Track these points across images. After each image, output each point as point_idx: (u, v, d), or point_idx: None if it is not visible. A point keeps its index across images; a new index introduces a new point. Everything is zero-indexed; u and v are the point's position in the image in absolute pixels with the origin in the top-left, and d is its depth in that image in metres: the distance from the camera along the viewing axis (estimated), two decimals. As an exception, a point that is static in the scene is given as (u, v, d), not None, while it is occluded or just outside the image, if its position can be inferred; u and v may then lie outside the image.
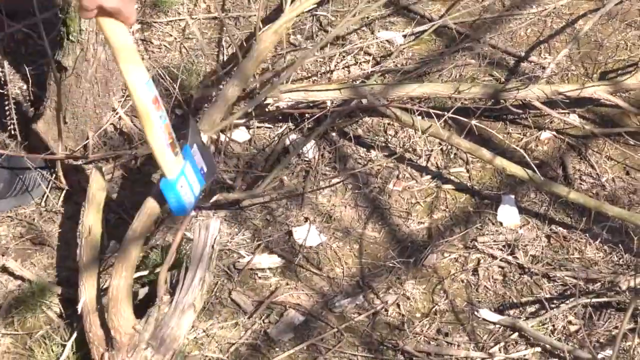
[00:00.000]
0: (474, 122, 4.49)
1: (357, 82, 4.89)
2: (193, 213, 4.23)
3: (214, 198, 4.38)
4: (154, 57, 4.93)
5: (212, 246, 3.93)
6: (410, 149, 4.80)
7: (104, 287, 3.93)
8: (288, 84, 4.70)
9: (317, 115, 4.64)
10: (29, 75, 4.48)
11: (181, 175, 3.73)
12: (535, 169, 4.49)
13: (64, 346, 3.85)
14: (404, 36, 5.32)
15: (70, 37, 4.24)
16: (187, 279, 3.80)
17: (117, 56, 3.36)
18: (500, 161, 4.52)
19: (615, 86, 4.92)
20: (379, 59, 5.19)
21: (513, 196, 4.65)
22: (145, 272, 4.05)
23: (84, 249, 3.95)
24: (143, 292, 4.03)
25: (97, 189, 4.15)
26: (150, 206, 3.92)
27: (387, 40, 5.28)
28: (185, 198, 3.80)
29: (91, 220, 4.05)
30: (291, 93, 4.64)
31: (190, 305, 3.71)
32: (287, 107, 4.71)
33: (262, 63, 4.86)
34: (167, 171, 3.68)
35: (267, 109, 4.70)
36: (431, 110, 4.52)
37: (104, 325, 3.70)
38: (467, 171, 4.76)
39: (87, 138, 4.50)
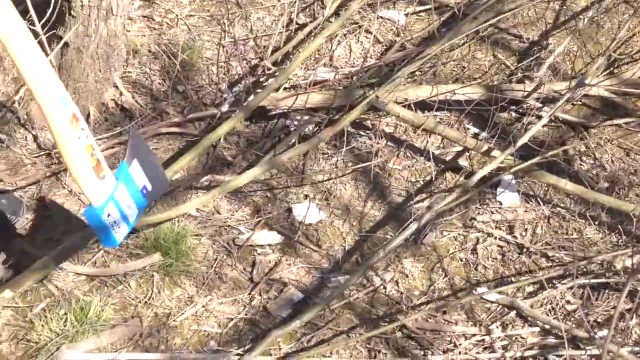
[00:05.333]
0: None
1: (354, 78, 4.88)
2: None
3: (205, 178, 4.40)
4: (155, 33, 4.92)
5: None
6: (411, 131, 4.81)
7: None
8: (282, 90, 4.66)
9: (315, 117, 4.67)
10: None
11: (109, 201, 3.33)
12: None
13: (63, 320, 3.85)
14: (406, 15, 5.32)
15: (72, 12, 4.24)
16: None
17: (21, 70, 2.79)
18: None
19: (617, 80, 4.96)
20: (380, 38, 5.18)
21: (512, 177, 4.66)
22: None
23: None
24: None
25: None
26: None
27: (388, 19, 5.27)
28: (115, 227, 3.44)
29: None
30: (287, 100, 4.65)
31: None
32: (287, 109, 4.70)
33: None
34: (91, 198, 3.24)
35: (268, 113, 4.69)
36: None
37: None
38: (467, 150, 4.75)
39: (89, 113, 4.51)
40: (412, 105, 4.65)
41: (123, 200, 3.36)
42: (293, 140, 4.62)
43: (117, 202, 3.32)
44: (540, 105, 4.84)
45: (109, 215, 3.29)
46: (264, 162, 4.35)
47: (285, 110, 4.67)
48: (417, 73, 5.01)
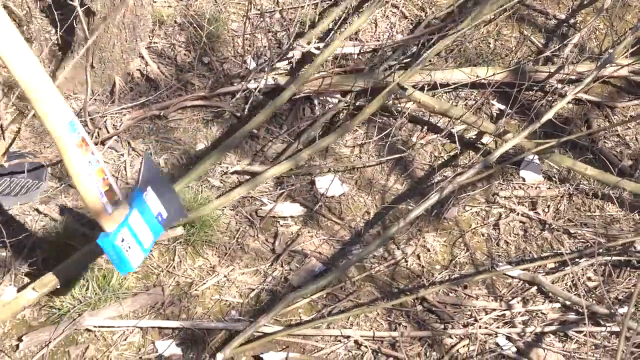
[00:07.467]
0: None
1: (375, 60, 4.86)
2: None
3: (233, 169, 4.42)
4: (182, 4, 4.93)
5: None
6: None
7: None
8: (309, 72, 4.64)
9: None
10: (57, 20, 4.48)
11: (123, 226, 3.25)
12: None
13: (85, 287, 3.88)
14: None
15: (99, -19, 4.26)
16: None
17: (29, 96, 2.78)
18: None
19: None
20: (406, 13, 5.16)
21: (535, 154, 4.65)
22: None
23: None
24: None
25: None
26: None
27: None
28: (130, 253, 3.34)
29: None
30: (312, 83, 4.64)
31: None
32: (311, 93, 4.72)
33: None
34: (104, 224, 3.20)
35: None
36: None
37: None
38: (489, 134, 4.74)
39: (114, 83, 4.53)
40: (437, 83, 4.65)
41: (137, 226, 3.32)
42: (319, 126, 4.63)
43: (131, 228, 3.28)
44: (563, 86, 4.81)
45: (122, 240, 3.24)
46: (287, 160, 4.36)
47: (310, 94, 4.68)
48: (443, 51, 4.98)
